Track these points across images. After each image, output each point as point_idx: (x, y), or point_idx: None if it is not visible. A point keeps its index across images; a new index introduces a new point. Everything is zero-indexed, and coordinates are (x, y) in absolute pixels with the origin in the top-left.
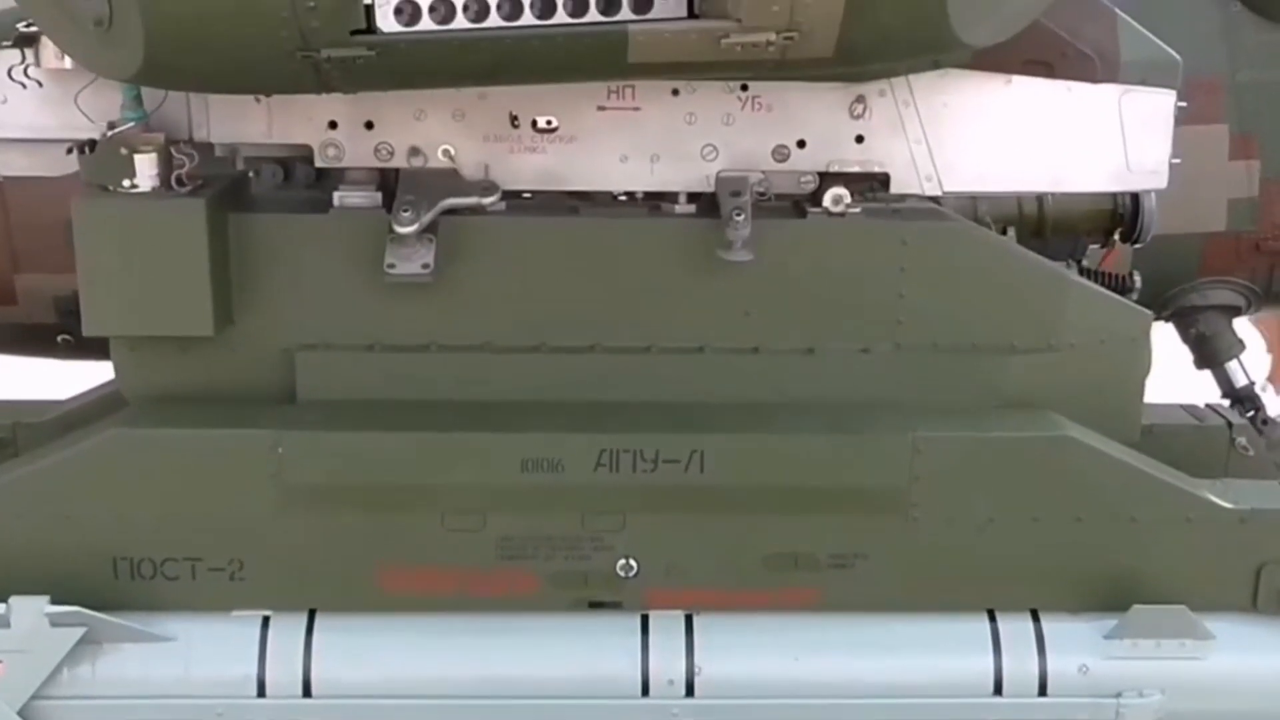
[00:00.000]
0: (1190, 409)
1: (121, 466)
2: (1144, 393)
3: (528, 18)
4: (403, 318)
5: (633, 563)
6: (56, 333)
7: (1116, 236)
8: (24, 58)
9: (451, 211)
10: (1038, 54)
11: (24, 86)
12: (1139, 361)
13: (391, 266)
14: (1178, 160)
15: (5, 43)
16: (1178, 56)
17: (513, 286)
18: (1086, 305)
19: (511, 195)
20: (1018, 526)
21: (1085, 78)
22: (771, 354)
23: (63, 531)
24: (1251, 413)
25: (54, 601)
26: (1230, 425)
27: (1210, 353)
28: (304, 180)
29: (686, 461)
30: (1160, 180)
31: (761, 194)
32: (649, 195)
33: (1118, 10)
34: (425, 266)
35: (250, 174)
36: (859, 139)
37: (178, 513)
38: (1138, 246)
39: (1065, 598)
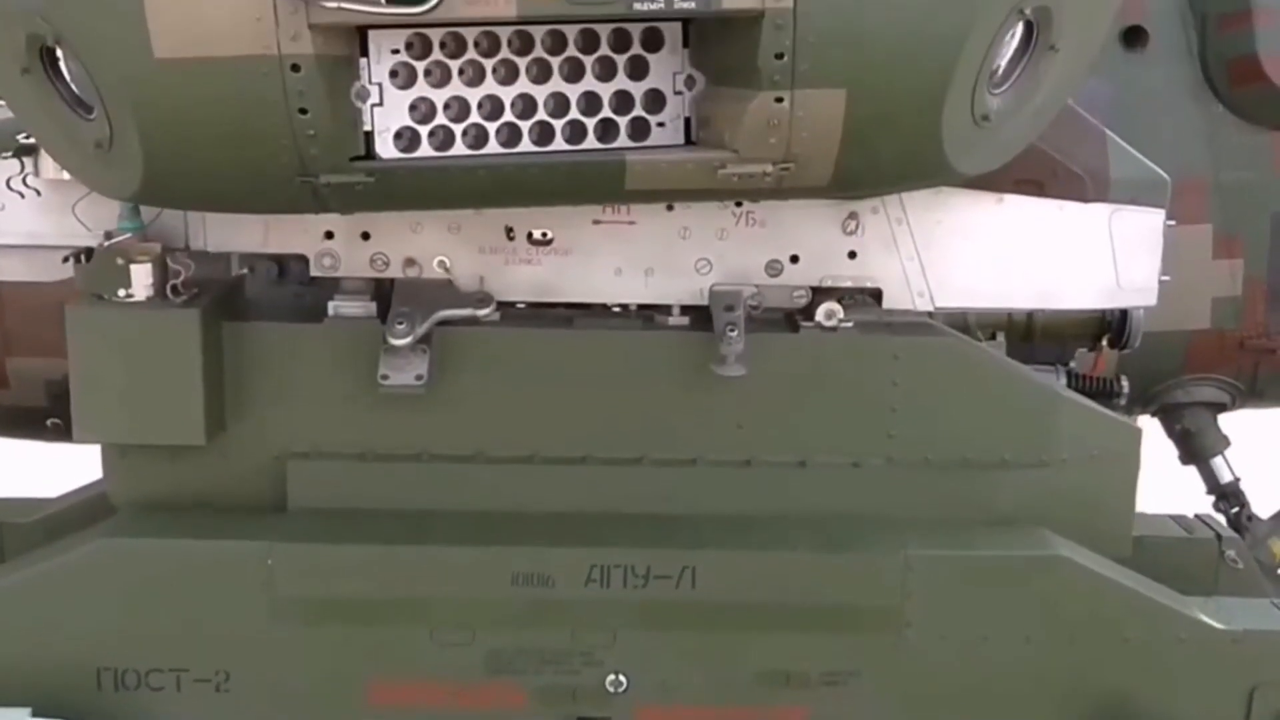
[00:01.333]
0: (1180, 520)
1: (108, 577)
2: (1134, 506)
3: (526, 144)
4: (395, 427)
5: (623, 678)
6: (46, 416)
7: (1104, 343)
8: (23, 167)
9: (446, 322)
10: (1029, 174)
11: (22, 196)
12: (1129, 476)
13: (385, 378)
14: (1167, 278)
15: (6, 154)
16: (1166, 176)
17: (506, 397)
18: (1077, 420)
19: (506, 305)
20: (1010, 645)
21: (1076, 197)
22: (763, 467)
23: (46, 642)
24: (1236, 509)
25: (35, 714)
26: (1220, 538)
27: (1195, 449)
28: (299, 277)
29: (678, 577)
30: (1150, 298)
31: (754, 307)
32: (643, 307)
33: (1107, 131)
34: (419, 378)
35: (246, 270)
36: (852, 255)
37: (164, 623)
38: (1125, 352)
39: (1058, 717)
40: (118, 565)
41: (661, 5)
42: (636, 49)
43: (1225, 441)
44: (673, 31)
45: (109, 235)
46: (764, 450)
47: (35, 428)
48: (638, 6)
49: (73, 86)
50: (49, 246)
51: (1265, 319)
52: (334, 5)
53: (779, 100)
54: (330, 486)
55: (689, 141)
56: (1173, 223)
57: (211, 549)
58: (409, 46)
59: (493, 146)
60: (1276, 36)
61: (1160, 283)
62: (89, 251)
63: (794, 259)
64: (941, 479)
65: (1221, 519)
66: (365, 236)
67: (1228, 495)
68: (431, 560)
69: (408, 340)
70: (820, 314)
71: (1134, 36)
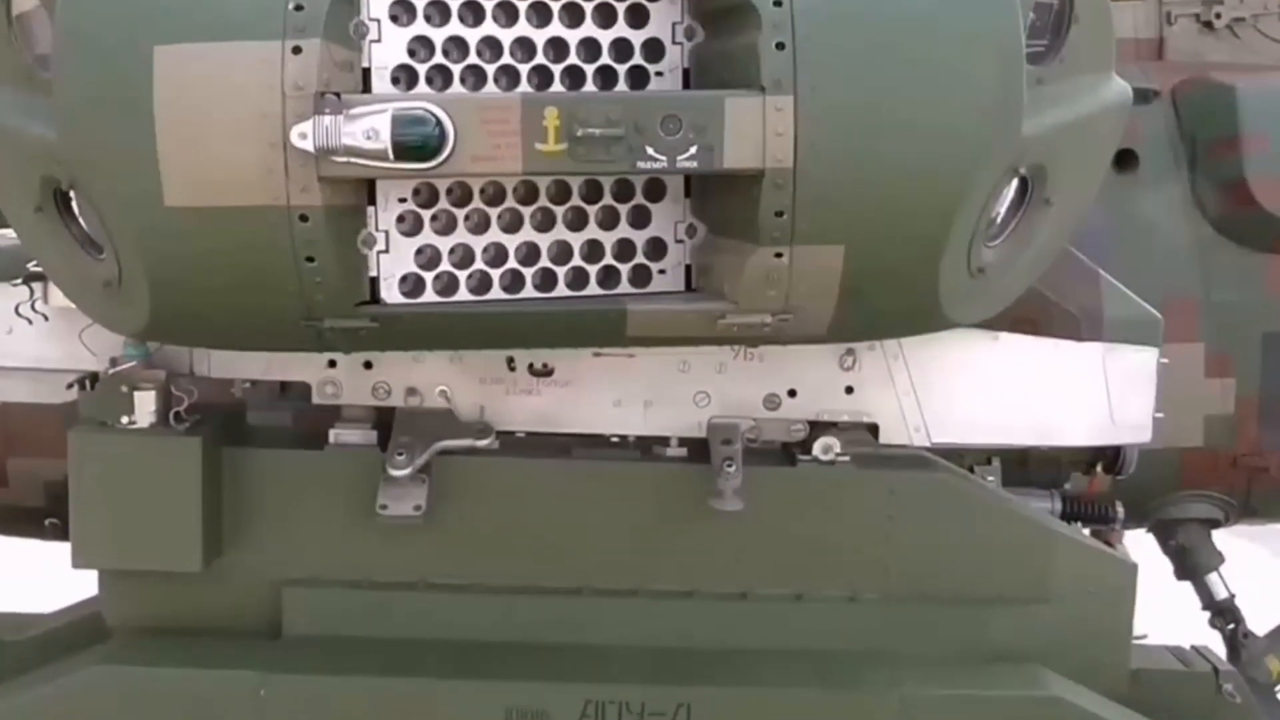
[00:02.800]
0: (1177, 652)
1: (101, 705)
2: (1131, 641)
3: (529, 290)
4: (391, 555)
5: None
6: (45, 516)
7: (1099, 468)
8: (32, 293)
9: (446, 451)
10: (1025, 313)
11: (30, 322)
12: (1125, 611)
13: (384, 507)
14: (1161, 415)
15: (15, 281)
16: (1159, 315)
17: (503, 526)
18: (1073, 556)
19: (505, 434)
20: None
21: (1071, 335)
22: (760, 600)
23: None
24: (1231, 626)
25: None
26: (1217, 672)
27: (1190, 565)
28: (301, 393)
29: (673, 714)
30: (1144, 434)
31: (752, 440)
32: (642, 438)
33: (1101, 271)
34: (417, 508)
35: (248, 384)
36: (849, 390)
37: None
38: (1120, 478)
39: None
40: (111, 693)
41: (665, 164)
42: (639, 199)
43: (1220, 558)
44: (675, 182)
45: (114, 362)
46: (760, 583)
47: (33, 526)
48: (641, 165)
49: (84, 226)
50: (55, 370)
51: (1258, 437)
52: (344, 160)
53: (778, 255)
54: (325, 614)
55: (689, 287)
56: (1166, 361)
57: (205, 678)
58: (416, 193)
59: (496, 292)
60: (1265, 162)
61: (1155, 419)
62: (94, 377)
63: (791, 393)
64: (937, 614)
65: (1218, 636)
66: (368, 366)
67: (1223, 612)
68: (425, 692)
69: (407, 471)
70: (817, 448)
71: (1124, 159)
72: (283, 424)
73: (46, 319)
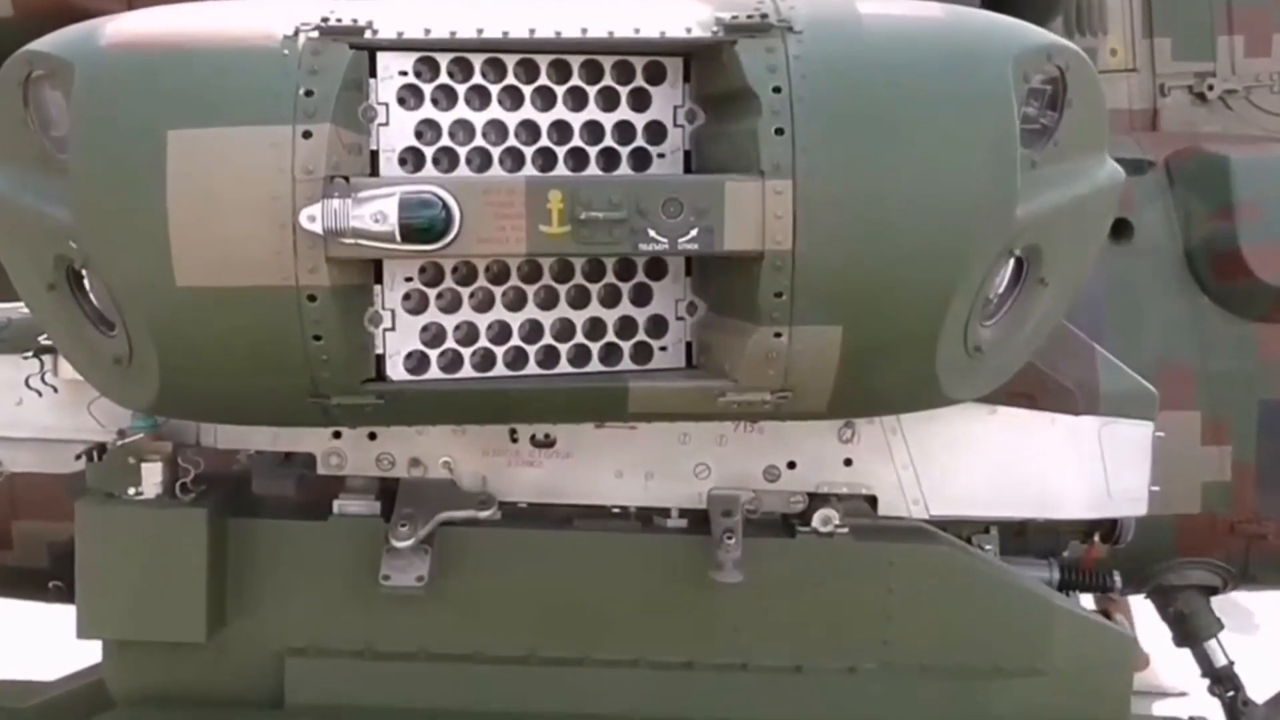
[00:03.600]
0: None
1: None
2: (1129, 714)
3: (531, 366)
4: (394, 624)
5: None
6: (49, 579)
7: (1097, 537)
8: (43, 365)
9: (448, 522)
10: (1021, 387)
11: (39, 394)
12: (1124, 683)
13: (386, 578)
14: (1157, 488)
15: (26, 354)
16: (1154, 390)
17: (505, 596)
18: (1072, 629)
19: (507, 504)
20: None
21: (1067, 410)
22: (759, 671)
23: None
24: (1230, 693)
25: None
26: None
27: (1189, 631)
28: (304, 460)
29: None
30: (1140, 507)
31: (752, 511)
32: (643, 509)
33: (1097, 346)
34: (420, 579)
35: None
36: (848, 462)
37: None
38: (1118, 547)
39: None
40: None
41: (666, 246)
42: (641, 277)
43: (1219, 624)
44: (677, 261)
45: (123, 433)
46: (760, 654)
47: (37, 589)
48: (643, 247)
49: (96, 304)
50: (63, 441)
51: (1255, 503)
52: (351, 242)
53: (777, 335)
54: (328, 684)
55: (690, 363)
56: (1162, 435)
57: None
58: (422, 271)
59: (499, 368)
60: (1258, 231)
61: (1150, 493)
62: (101, 447)
63: (791, 465)
64: (936, 686)
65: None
66: (372, 436)
67: (1222, 679)
68: None
69: (410, 543)
70: (817, 520)
71: (1120, 229)
72: (287, 491)
73: (56, 390)
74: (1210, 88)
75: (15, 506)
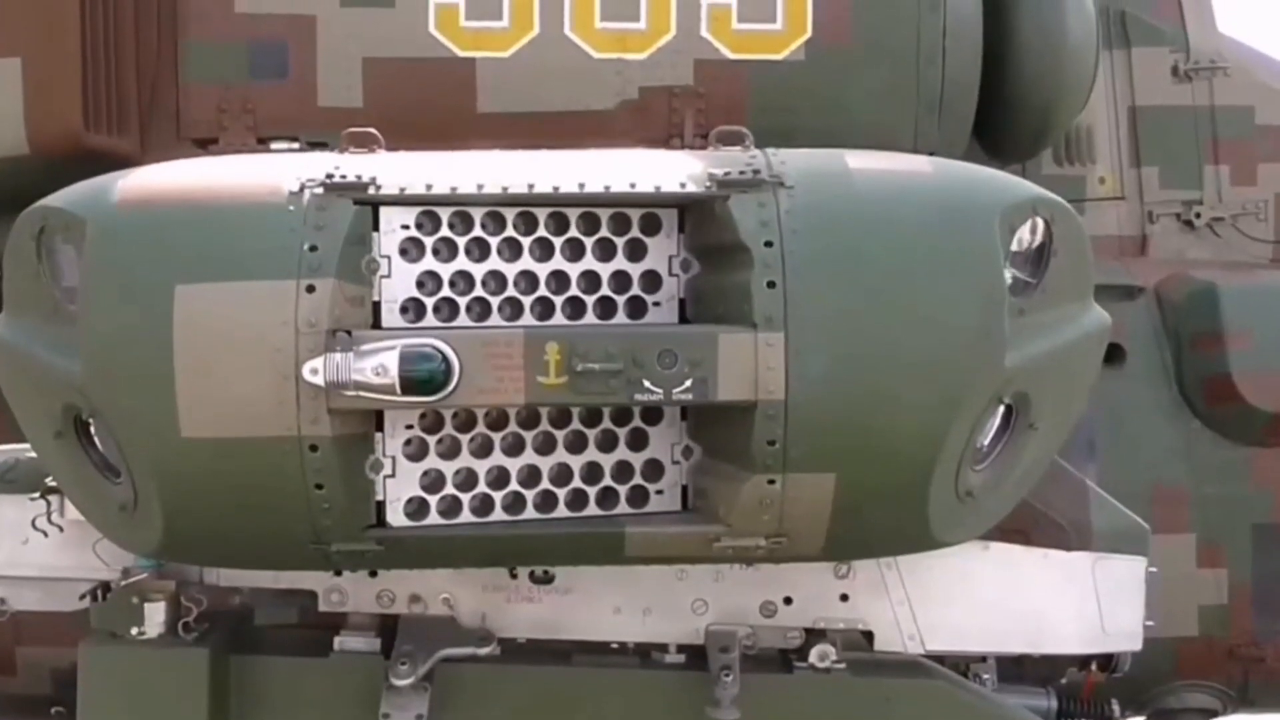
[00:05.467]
0: None
1: None
2: None
3: (529, 510)
4: None
5: None
6: (52, 704)
7: (1094, 666)
8: (49, 506)
9: (448, 659)
10: (1015, 523)
11: (46, 535)
12: None
13: (386, 716)
14: (1151, 623)
15: (33, 495)
16: (1146, 525)
17: None
18: None
19: (506, 639)
20: None
21: (1060, 545)
22: None
23: None
24: None
25: None
26: None
27: None
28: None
29: None
30: (1135, 643)
31: (749, 647)
32: (641, 645)
33: (1089, 482)
34: (419, 717)
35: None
36: (844, 598)
37: None
38: (1116, 676)
39: None
40: None
41: (661, 396)
42: (637, 422)
43: None
44: (672, 408)
45: (127, 572)
46: None
47: (40, 715)
48: (639, 397)
49: (102, 451)
50: (68, 579)
51: (1253, 627)
52: (353, 394)
53: (771, 482)
54: None
55: (686, 506)
56: (1155, 570)
57: None
58: (422, 417)
59: (498, 512)
60: (1248, 358)
61: (1145, 627)
62: (105, 586)
63: (788, 601)
64: None
65: None
66: (373, 574)
67: None
68: None
69: (409, 681)
70: (814, 655)
71: (1112, 354)
72: (290, 618)
73: (62, 530)
74: (1198, 215)
75: (19, 633)
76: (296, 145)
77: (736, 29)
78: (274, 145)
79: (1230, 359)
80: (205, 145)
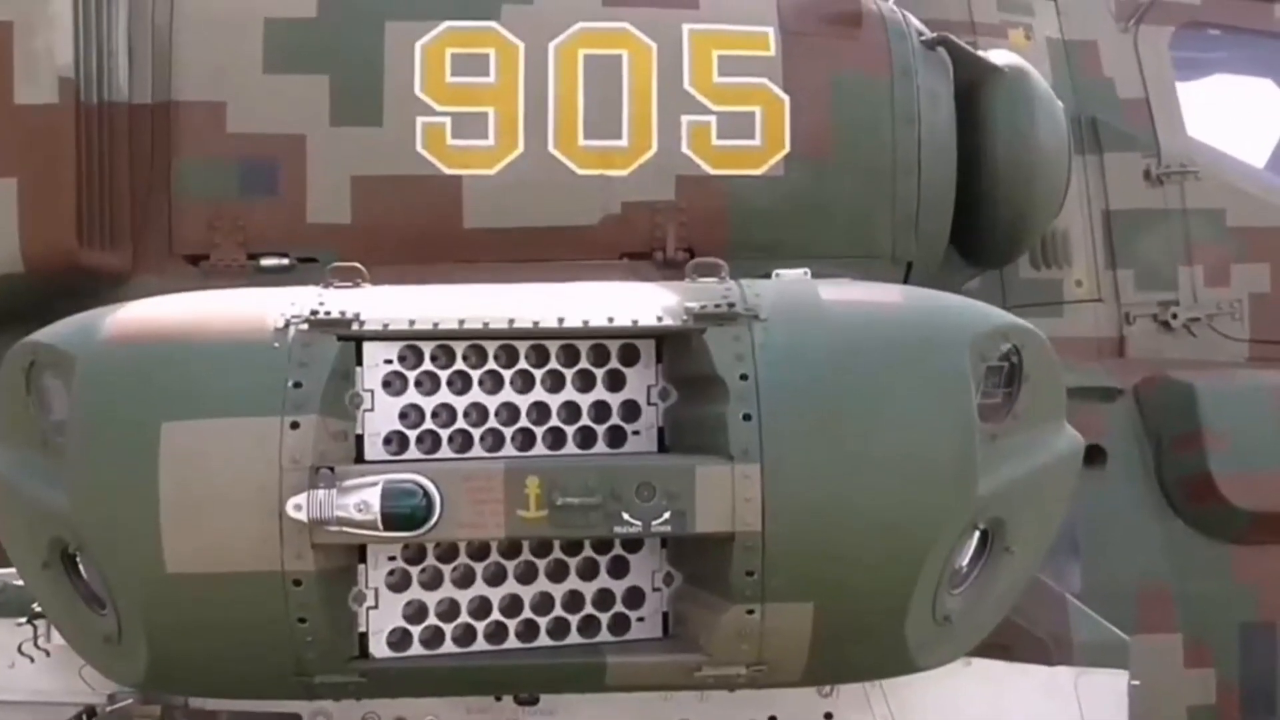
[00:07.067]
0: None
1: None
2: None
3: (511, 639)
4: None
5: None
6: None
7: None
8: (35, 631)
9: None
10: (996, 639)
11: (32, 660)
12: None
13: None
14: None
15: (20, 620)
16: (1127, 638)
17: None
18: None
19: None
20: None
21: (1041, 660)
22: None
23: None
24: None
25: None
26: None
27: None
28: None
29: None
30: None
31: None
32: None
33: (1069, 596)
34: None
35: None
36: (828, 716)
37: None
38: None
39: None
40: None
41: (640, 529)
42: (618, 550)
43: None
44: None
45: (113, 698)
46: None
47: None
48: (618, 530)
49: (88, 583)
50: (54, 704)
51: None
52: (336, 529)
53: (750, 612)
54: None
55: (667, 632)
56: (1137, 683)
57: None
58: (405, 548)
59: (480, 642)
60: (1227, 458)
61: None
62: (91, 710)
63: None
64: None
65: None
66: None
67: None
68: None
69: None
70: None
71: (1093, 455)
72: None
73: (48, 654)
74: (1174, 315)
75: None
76: (286, 261)
77: (716, 145)
78: (264, 261)
79: (1210, 459)
80: (196, 261)
